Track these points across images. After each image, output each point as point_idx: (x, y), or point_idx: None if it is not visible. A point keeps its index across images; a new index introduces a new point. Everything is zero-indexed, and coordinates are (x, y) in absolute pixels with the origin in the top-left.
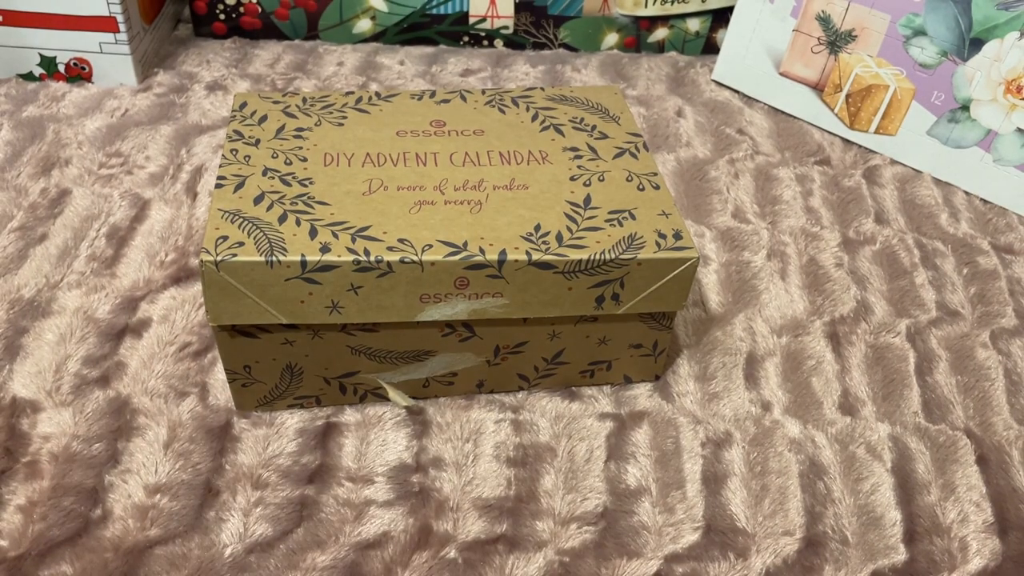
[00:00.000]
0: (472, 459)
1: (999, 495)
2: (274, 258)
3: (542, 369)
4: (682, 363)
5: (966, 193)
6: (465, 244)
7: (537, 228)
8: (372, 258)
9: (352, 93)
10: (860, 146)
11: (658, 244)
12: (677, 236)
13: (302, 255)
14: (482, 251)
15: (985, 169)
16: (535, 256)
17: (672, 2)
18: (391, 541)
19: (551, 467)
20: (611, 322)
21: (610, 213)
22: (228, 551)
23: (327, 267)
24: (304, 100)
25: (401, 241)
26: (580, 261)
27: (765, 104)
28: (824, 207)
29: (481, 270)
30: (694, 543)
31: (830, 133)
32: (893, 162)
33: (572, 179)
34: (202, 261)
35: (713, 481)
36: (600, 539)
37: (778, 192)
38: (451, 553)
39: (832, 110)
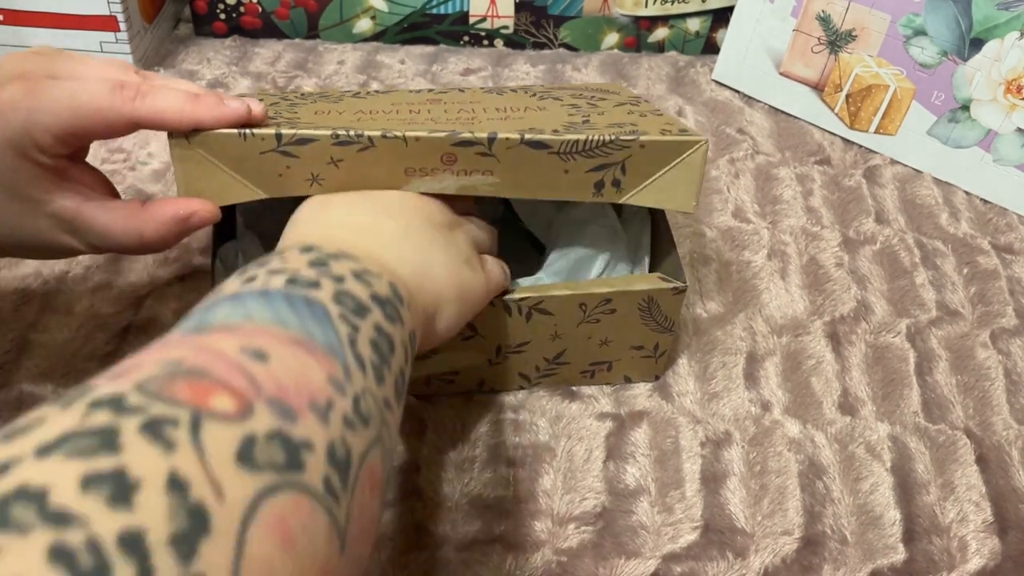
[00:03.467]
0: (471, 459)
1: (998, 495)
2: (248, 131)
3: (543, 368)
4: (682, 362)
5: (966, 193)
6: (454, 130)
7: (532, 128)
8: (352, 133)
9: (352, 90)
10: (860, 146)
11: (663, 133)
12: (683, 131)
13: (277, 128)
14: (471, 132)
15: (985, 169)
16: (528, 136)
17: (672, 2)
18: (387, 542)
19: (550, 467)
20: (613, 324)
21: (610, 124)
22: None
23: (304, 140)
24: (303, 95)
25: (386, 129)
26: (577, 141)
27: (765, 104)
28: (824, 207)
29: (470, 147)
30: (692, 543)
31: (830, 133)
32: (893, 162)
33: (570, 115)
34: (170, 134)
35: (712, 481)
36: (598, 539)
37: (778, 192)
38: (448, 554)
39: (832, 110)
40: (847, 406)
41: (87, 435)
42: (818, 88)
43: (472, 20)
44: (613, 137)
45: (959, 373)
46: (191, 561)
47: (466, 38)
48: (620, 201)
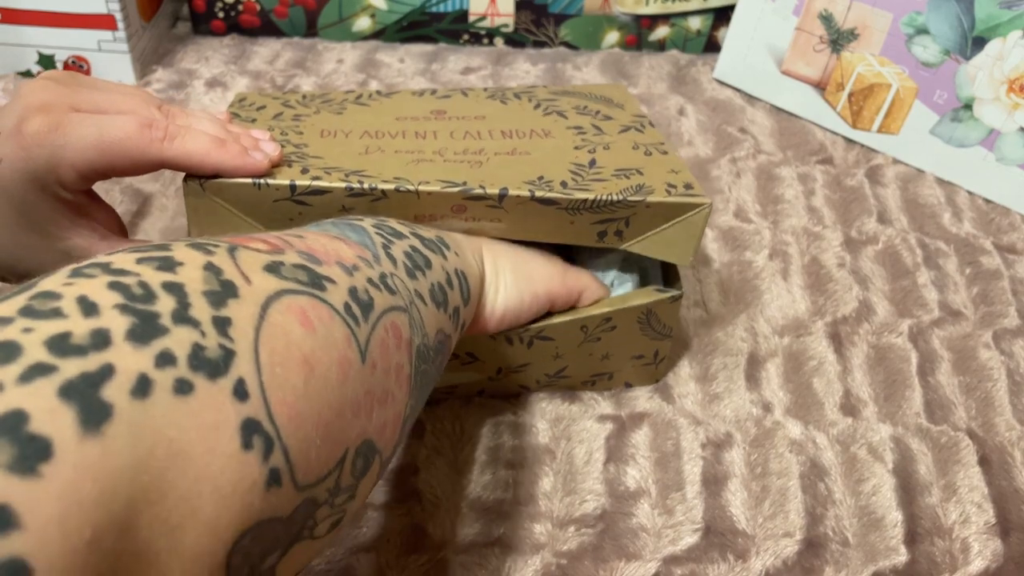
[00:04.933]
0: (471, 461)
1: (1001, 496)
2: (262, 180)
3: (544, 382)
4: (683, 364)
5: (969, 192)
6: (465, 183)
7: (541, 178)
8: (366, 185)
9: (352, 91)
10: (862, 145)
11: (668, 192)
12: (688, 187)
13: (291, 180)
14: (483, 187)
15: (988, 168)
16: (538, 193)
17: (673, 0)
18: (386, 544)
19: (550, 469)
20: (613, 340)
21: (616, 170)
22: None
23: (318, 191)
24: (304, 96)
25: (397, 179)
26: (585, 200)
27: (767, 103)
28: (826, 207)
29: (480, 200)
30: (693, 545)
31: (832, 132)
32: (895, 161)
33: (576, 148)
34: (185, 180)
35: (713, 482)
36: (598, 541)
37: (780, 191)
38: (447, 556)
39: (834, 109)
40: (849, 407)
41: (147, 247)
42: (820, 87)
43: (472, 18)
44: (620, 198)
45: (961, 374)
46: (221, 308)
47: (466, 36)
48: (620, 247)
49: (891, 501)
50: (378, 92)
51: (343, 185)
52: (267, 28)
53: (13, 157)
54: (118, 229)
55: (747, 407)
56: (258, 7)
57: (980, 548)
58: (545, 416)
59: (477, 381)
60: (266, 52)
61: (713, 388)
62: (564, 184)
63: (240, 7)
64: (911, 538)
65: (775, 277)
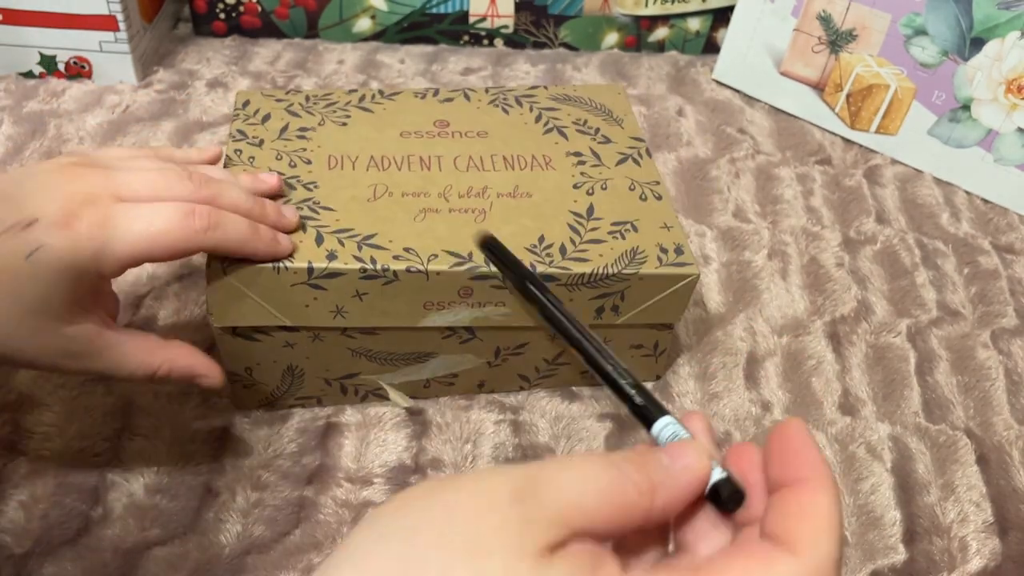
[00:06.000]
0: (471, 460)
1: (999, 495)
2: (281, 264)
3: (543, 369)
4: (682, 363)
5: (967, 193)
6: (470, 255)
7: (541, 240)
8: (378, 267)
9: (355, 91)
10: (861, 146)
11: (660, 259)
12: (679, 251)
13: (309, 262)
14: (488, 263)
15: (986, 169)
16: (540, 269)
17: (672, 1)
18: None
19: None
20: (612, 325)
21: (613, 225)
22: (226, 552)
23: (333, 274)
24: (307, 98)
25: (407, 250)
26: (583, 275)
27: (766, 103)
28: (825, 207)
29: (485, 280)
30: None
31: (831, 133)
32: (894, 162)
33: (575, 187)
34: (209, 262)
35: None
36: None
37: (779, 192)
38: None
39: (833, 110)
40: (847, 406)
41: None
42: (819, 88)
43: (472, 19)
44: (616, 271)
45: (960, 373)
46: None
47: (466, 37)
48: (616, 323)
49: (889, 500)
50: (380, 92)
51: (357, 267)
52: (268, 29)
53: (59, 248)
54: (115, 310)
55: (746, 406)
56: (259, 8)
57: (978, 547)
58: (545, 415)
59: (477, 368)
60: (267, 53)
61: (712, 387)
62: (563, 250)
63: (241, 8)
64: (909, 537)
65: (774, 277)
